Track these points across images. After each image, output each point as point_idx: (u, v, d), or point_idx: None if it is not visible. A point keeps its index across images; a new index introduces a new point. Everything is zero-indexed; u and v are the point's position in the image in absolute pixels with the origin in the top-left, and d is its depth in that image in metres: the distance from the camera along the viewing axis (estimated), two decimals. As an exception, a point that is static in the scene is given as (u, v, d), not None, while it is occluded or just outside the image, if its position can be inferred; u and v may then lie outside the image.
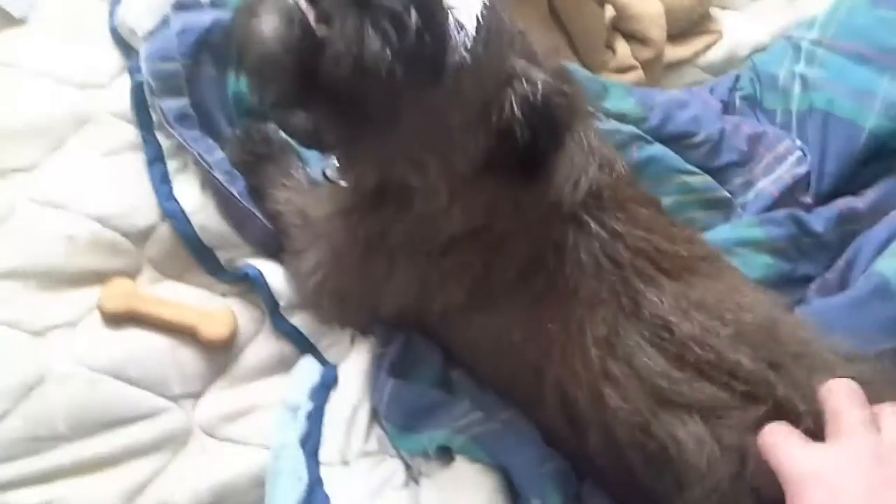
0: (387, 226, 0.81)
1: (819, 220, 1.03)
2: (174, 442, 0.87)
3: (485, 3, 0.65)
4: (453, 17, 0.64)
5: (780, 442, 0.65)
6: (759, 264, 1.00)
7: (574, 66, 1.08)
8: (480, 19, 0.64)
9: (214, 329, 0.91)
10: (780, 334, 0.77)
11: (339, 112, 0.65)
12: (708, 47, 1.27)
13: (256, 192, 0.97)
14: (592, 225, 0.78)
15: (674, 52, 1.23)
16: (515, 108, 0.69)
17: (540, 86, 0.69)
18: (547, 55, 0.77)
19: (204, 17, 1.01)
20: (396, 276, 0.84)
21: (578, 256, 0.78)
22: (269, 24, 0.62)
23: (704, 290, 0.78)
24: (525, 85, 0.69)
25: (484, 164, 0.73)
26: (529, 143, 0.70)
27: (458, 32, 0.64)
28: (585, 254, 0.78)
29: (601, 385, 0.76)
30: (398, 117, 0.66)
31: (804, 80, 1.12)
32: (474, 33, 0.64)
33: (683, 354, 0.75)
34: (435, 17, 0.63)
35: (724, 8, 1.34)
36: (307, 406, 0.87)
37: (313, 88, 0.63)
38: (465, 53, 0.64)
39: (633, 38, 1.19)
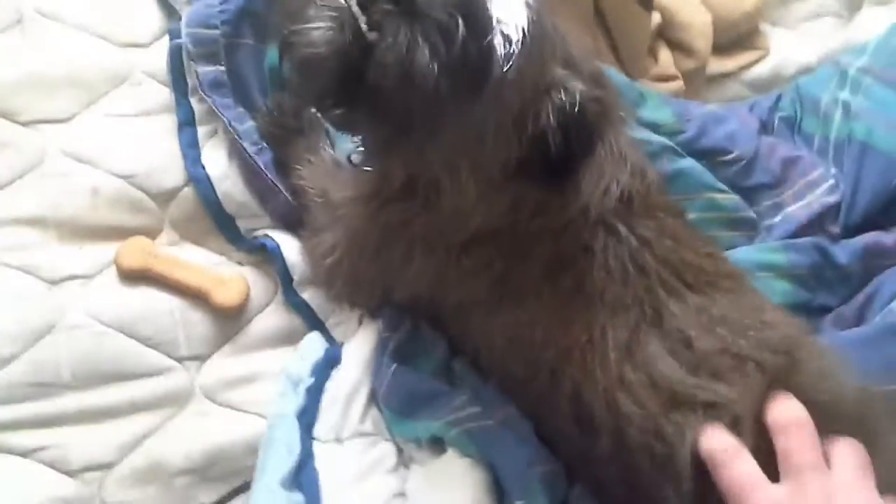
0: (409, 216, 0.81)
1: (844, 251, 1.01)
2: (175, 402, 0.89)
3: (530, 17, 0.64)
4: (500, 30, 0.63)
5: (737, 471, 0.67)
6: (778, 290, 0.98)
7: (613, 71, 1.06)
8: (525, 32, 0.64)
9: (226, 295, 0.92)
10: (800, 351, 0.76)
11: (379, 115, 0.65)
12: (753, 63, 1.24)
13: (282, 166, 0.98)
14: (622, 230, 0.78)
15: (718, 65, 1.20)
16: (551, 118, 0.69)
17: (577, 96, 0.69)
18: (585, 58, 0.77)
19: (249, -13, 1.02)
20: (413, 266, 0.84)
21: (607, 260, 0.78)
22: (318, 27, 0.63)
23: (727, 305, 0.77)
24: (562, 95, 0.69)
25: (515, 168, 0.73)
26: (560, 149, 0.70)
27: (503, 46, 0.63)
28: (614, 258, 0.78)
29: (617, 390, 0.76)
30: (438, 126, 0.66)
31: (846, 108, 1.10)
32: (519, 47, 0.64)
33: (701, 364, 0.74)
34: (482, 30, 0.63)
35: (774, 24, 1.31)
36: (308, 381, 0.88)
37: (357, 92, 0.63)
38: (508, 65, 0.64)
39: (677, 47, 1.17)
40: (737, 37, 1.23)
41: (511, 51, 0.64)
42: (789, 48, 1.27)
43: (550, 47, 0.70)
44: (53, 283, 0.89)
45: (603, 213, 0.78)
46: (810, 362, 0.75)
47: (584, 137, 0.70)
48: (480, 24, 0.63)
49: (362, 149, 0.84)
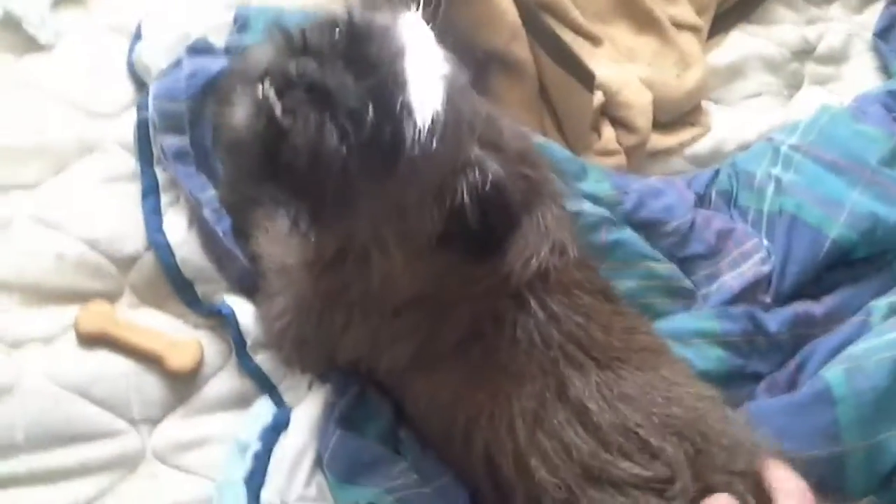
0: (346, 283, 0.85)
1: (775, 320, 1.05)
2: (126, 464, 0.91)
3: (445, 101, 0.70)
4: (410, 113, 0.68)
5: None
6: (711, 357, 1.02)
7: (556, 146, 1.12)
8: (438, 115, 0.69)
9: (180, 359, 0.95)
10: (705, 426, 0.81)
11: (297, 193, 0.71)
12: (694, 139, 1.29)
13: (240, 233, 1.02)
14: (533, 304, 0.83)
15: (660, 141, 1.26)
16: (466, 195, 0.74)
17: (491, 175, 0.74)
18: (514, 137, 0.82)
19: (214, 64, 1.07)
20: (352, 331, 0.89)
21: (514, 332, 0.82)
22: (240, 112, 0.69)
23: (632, 381, 0.82)
24: (477, 174, 0.74)
25: (440, 238, 0.77)
26: (483, 224, 0.75)
27: (415, 128, 0.69)
28: (521, 331, 0.82)
29: (528, 455, 0.80)
30: (354, 203, 0.71)
31: (778, 183, 1.16)
32: (430, 127, 0.69)
33: (607, 438, 0.79)
34: (392, 114, 0.68)
35: (717, 102, 1.37)
36: (256, 446, 0.91)
37: (276, 171, 0.69)
38: (419, 146, 0.69)
39: (619, 124, 1.23)
40: (679, 114, 1.29)
41: (422, 133, 0.69)
42: (730, 125, 1.33)
43: (467, 127, 0.75)
44: (13, 345, 0.92)
45: (518, 286, 0.82)
46: (719, 436, 0.79)
47: (503, 216, 0.75)
48: (392, 109, 0.68)
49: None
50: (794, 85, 1.44)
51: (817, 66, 1.47)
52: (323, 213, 0.72)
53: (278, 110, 0.67)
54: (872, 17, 1.54)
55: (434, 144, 0.69)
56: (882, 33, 1.50)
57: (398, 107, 0.68)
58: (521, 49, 1.11)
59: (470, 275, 0.82)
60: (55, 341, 0.94)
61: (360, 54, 0.69)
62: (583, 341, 0.82)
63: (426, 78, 0.69)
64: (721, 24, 1.43)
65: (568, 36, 1.23)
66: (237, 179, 0.75)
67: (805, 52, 1.46)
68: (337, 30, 0.71)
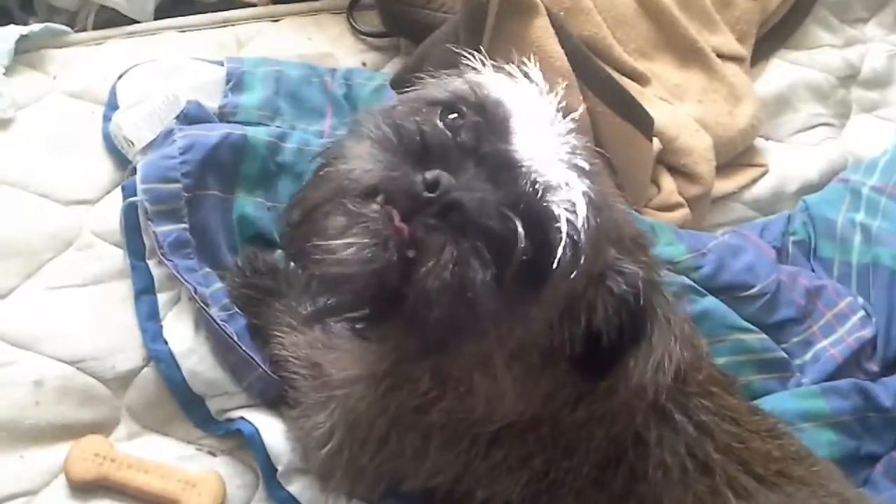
0: (426, 402, 0.70)
1: (887, 392, 0.95)
2: None
3: (590, 205, 0.57)
4: (561, 227, 0.56)
5: None
6: (823, 442, 0.90)
7: (618, 205, 0.99)
8: (587, 224, 0.56)
9: (198, 501, 0.81)
10: None
11: (413, 332, 0.58)
12: (754, 181, 1.18)
13: (258, 333, 0.88)
14: (678, 417, 0.70)
15: (718, 186, 1.13)
16: (609, 308, 0.61)
17: (637, 281, 0.61)
18: (625, 221, 0.68)
19: (212, 133, 0.94)
20: (430, 458, 0.74)
21: (663, 456, 0.69)
22: (354, 242, 0.55)
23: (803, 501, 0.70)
24: (619, 282, 0.61)
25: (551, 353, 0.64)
26: (611, 338, 0.62)
27: (562, 241, 0.56)
28: (670, 454, 0.70)
29: None
30: (485, 332, 0.58)
31: (866, 232, 1.06)
32: (580, 241, 0.56)
33: None
34: (538, 226, 0.55)
35: (767, 139, 1.26)
36: None
37: (391, 310, 0.56)
38: (568, 262, 0.56)
39: (679, 173, 1.10)
40: (734, 155, 1.17)
41: (572, 247, 0.56)
42: (787, 163, 1.22)
43: (605, 232, 0.61)
44: (-10, 506, 0.79)
45: (656, 395, 0.68)
46: None
47: (636, 325, 0.62)
48: (538, 221, 0.56)
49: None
50: (844, 114, 1.34)
51: (864, 92, 1.37)
52: (440, 345, 0.59)
53: (405, 242, 0.54)
54: (910, 34, 1.44)
55: (580, 257, 0.56)
56: (926, 53, 1.40)
57: (544, 216, 0.55)
58: (573, 97, 0.97)
59: (587, 392, 0.67)
60: (41, 494, 0.81)
61: (492, 151, 0.56)
62: (742, 455, 0.70)
63: (568, 176, 0.56)
64: (760, 51, 1.32)
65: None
66: (339, 311, 0.62)
67: (850, 77, 1.36)
68: (459, 117, 0.59)
